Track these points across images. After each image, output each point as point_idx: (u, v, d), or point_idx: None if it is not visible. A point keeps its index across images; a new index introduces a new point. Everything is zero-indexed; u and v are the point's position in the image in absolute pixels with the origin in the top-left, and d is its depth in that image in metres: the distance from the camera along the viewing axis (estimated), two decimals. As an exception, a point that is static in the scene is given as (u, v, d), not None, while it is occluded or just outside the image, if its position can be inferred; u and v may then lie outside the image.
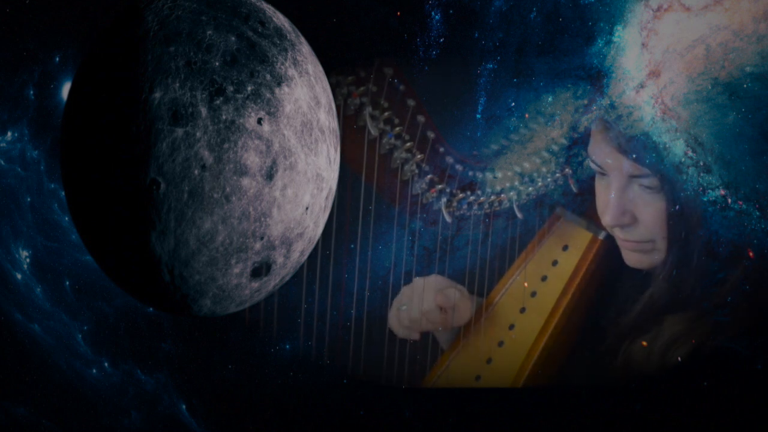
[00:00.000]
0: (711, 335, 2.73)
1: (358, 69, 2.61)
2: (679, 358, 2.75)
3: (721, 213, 2.55)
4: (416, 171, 2.67)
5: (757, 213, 2.52)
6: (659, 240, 2.65)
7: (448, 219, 2.74)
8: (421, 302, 2.88)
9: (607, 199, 2.65)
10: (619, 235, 2.72)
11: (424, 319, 2.89)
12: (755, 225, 2.54)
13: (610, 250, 2.85)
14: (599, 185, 2.71)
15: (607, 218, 2.66)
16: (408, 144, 2.64)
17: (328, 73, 2.19)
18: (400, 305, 2.91)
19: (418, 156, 2.67)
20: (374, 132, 2.62)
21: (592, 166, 2.68)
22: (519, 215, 2.81)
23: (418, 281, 2.91)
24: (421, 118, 2.64)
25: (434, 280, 2.90)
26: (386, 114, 2.62)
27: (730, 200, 2.52)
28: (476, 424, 3.08)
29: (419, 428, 3.10)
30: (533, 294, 2.88)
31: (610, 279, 2.87)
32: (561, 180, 2.81)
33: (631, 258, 2.75)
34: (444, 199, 2.71)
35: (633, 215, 2.63)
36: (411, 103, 2.61)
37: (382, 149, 2.65)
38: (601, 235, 2.85)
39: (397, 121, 2.63)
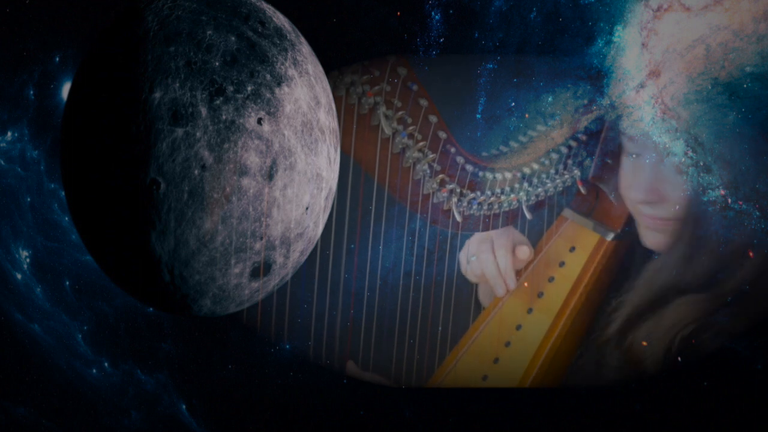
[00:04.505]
0: (711, 335, 2.74)
1: (373, 69, 2.61)
2: (679, 358, 2.75)
3: (721, 213, 2.55)
4: (427, 170, 2.66)
5: (757, 213, 2.52)
6: (675, 222, 2.67)
7: (459, 218, 2.73)
8: (495, 258, 2.86)
9: (634, 178, 2.68)
10: (645, 211, 2.73)
11: (500, 278, 2.87)
12: (755, 225, 2.54)
13: (616, 251, 2.86)
14: (627, 164, 2.72)
15: (638, 195, 2.69)
16: (421, 144, 2.64)
17: (343, 72, 2.17)
18: (470, 256, 2.90)
19: (430, 155, 2.66)
20: (375, 122, 2.61)
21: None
22: (528, 215, 2.80)
23: (484, 235, 2.87)
24: (433, 118, 2.63)
25: (509, 234, 2.88)
26: (388, 111, 2.61)
27: (730, 200, 2.52)
28: (476, 423, 3.09)
29: (419, 428, 3.10)
30: (541, 294, 2.88)
31: (616, 279, 2.88)
32: (568, 181, 2.80)
33: (650, 238, 2.76)
34: (454, 199, 2.70)
35: (661, 193, 2.66)
36: (424, 103, 2.61)
37: (394, 148, 2.64)
38: (609, 237, 2.86)
39: (408, 120, 2.63)
